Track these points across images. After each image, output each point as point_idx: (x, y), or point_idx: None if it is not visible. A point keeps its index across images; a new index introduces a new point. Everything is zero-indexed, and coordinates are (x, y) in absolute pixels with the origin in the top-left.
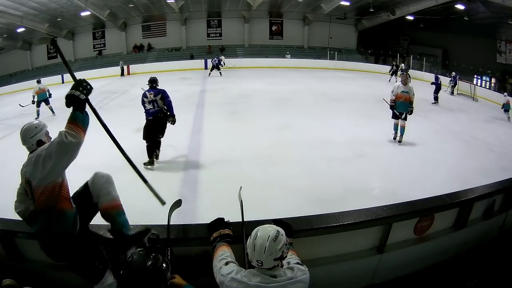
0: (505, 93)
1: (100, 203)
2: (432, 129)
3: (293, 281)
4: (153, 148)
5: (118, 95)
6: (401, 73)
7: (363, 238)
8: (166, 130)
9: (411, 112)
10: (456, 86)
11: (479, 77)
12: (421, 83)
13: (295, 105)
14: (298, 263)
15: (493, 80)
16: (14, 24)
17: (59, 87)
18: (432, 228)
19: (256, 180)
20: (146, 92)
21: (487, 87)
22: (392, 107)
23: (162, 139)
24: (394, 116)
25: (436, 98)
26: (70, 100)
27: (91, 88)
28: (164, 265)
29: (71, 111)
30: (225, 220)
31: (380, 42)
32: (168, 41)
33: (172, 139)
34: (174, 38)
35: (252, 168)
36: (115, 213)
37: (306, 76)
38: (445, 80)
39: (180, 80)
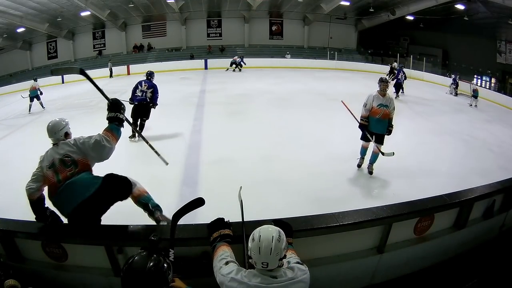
0: (473, 82)
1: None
2: (432, 129)
3: (293, 281)
4: (135, 127)
5: (118, 95)
6: (381, 81)
7: (363, 238)
8: (166, 130)
9: (389, 133)
10: (458, 87)
11: (479, 77)
12: (420, 82)
13: (295, 105)
14: (298, 263)
15: (493, 80)
16: (14, 24)
17: (59, 87)
18: (432, 228)
19: (256, 180)
20: (142, 81)
21: (487, 87)
22: (363, 126)
23: (173, 139)
24: (364, 137)
25: (398, 91)
26: (114, 120)
27: (124, 105)
28: (165, 266)
29: (108, 122)
30: (225, 220)
31: (380, 42)
32: (168, 41)
33: (172, 139)
34: (174, 38)
35: (252, 168)
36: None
37: (306, 76)
38: (446, 81)
39: (180, 80)
